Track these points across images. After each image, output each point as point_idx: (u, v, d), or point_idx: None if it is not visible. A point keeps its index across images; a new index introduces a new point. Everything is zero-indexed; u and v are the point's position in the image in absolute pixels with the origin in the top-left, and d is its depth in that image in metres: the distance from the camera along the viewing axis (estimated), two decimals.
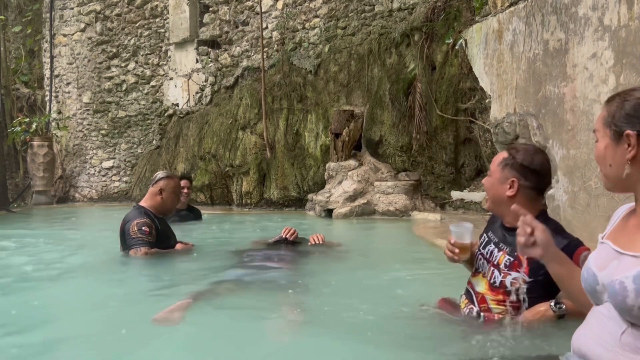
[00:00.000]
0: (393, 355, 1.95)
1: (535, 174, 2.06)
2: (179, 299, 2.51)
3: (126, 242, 3.66)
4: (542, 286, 1.96)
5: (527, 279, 1.97)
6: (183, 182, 5.85)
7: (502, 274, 2.06)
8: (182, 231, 5.01)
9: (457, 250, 2.14)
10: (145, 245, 3.56)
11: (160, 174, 3.95)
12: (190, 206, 6.31)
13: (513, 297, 1.98)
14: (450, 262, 2.23)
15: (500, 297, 2.07)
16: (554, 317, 1.94)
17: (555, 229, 1.96)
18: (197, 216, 6.23)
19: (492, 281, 2.10)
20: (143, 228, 3.59)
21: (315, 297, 2.77)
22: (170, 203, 3.86)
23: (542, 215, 2.06)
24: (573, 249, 1.95)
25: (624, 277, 1.30)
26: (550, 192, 4.40)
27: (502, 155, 2.14)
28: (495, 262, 2.11)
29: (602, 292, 1.39)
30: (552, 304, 1.95)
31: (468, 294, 2.23)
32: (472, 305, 2.16)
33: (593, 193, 3.90)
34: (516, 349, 1.86)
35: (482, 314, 2.10)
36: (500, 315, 2.04)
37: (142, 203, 3.84)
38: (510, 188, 2.06)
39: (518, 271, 2.00)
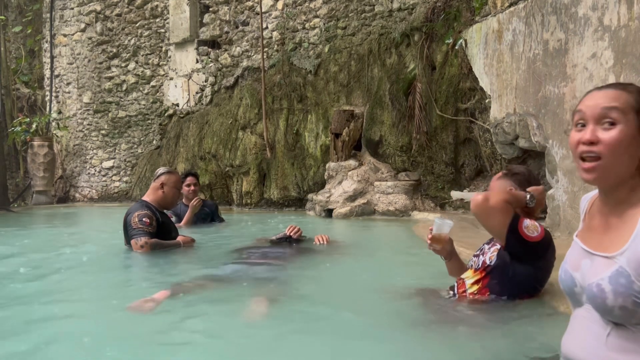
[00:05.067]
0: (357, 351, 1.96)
1: (529, 185, 2.34)
2: (159, 290, 2.60)
3: (128, 233, 3.78)
4: (501, 271, 2.26)
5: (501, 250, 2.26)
6: (189, 179, 5.73)
7: (484, 254, 2.37)
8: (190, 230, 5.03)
9: (430, 236, 2.50)
10: (146, 236, 3.67)
11: (161, 169, 4.11)
12: (203, 201, 6.01)
13: (486, 260, 2.32)
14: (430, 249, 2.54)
15: (479, 276, 2.33)
16: (523, 202, 2.23)
17: None
18: (212, 209, 5.99)
19: (476, 266, 2.38)
20: (144, 219, 3.73)
21: (298, 292, 2.80)
22: (172, 197, 4.01)
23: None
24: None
25: (599, 279, 1.29)
26: (550, 192, 4.40)
27: (500, 172, 2.49)
28: (483, 252, 2.41)
29: (580, 294, 1.39)
30: (529, 196, 2.23)
31: (452, 287, 2.46)
32: (451, 291, 2.43)
33: None
34: (508, 352, 1.88)
35: (456, 294, 2.38)
36: (472, 296, 2.31)
37: (145, 197, 4.00)
38: None
39: (496, 245, 2.31)
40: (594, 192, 1.48)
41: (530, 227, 2.16)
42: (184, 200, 5.85)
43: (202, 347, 2.00)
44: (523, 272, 2.22)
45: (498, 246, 2.29)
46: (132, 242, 3.69)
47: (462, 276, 2.42)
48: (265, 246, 3.99)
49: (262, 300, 2.53)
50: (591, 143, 1.31)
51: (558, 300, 2.25)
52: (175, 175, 4.06)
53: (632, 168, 1.32)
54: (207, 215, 5.92)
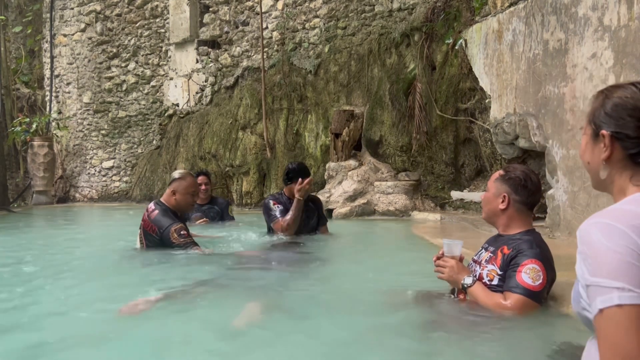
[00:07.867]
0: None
1: (525, 190, 2.31)
2: (152, 294, 2.62)
3: (168, 245, 3.72)
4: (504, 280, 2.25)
5: (499, 271, 2.26)
6: (200, 179, 5.76)
7: (481, 267, 2.35)
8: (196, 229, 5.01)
9: (436, 258, 2.41)
10: (194, 246, 3.71)
11: (175, 173, 4.03)
12: (213, 198, 6.07)
13: (483, 275, 2.30)
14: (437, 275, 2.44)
15: None
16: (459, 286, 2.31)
17: (528, 242, 2.25)
18: (222, 207, 5.97)
19: (474, 275, 2.36)
20: (182, 232, 3.72)
21: (298, 294, 2.78)
22: (185, 204, 3.90)
23: (529, 233, 2.31)
24: (517, 264, 2.21)
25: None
26: (550, 192, 4.40)
27: (498, 172, 2.44)
28: (479, 260, 2.40)
29: None
30: (465, 279, 2.28)
31: (452, 290, 2.45)
32: (452, 294, 2.43)
33: (593, 193, 3.90)
34: (509, 355, 1.88)
35: (457, 297, 2.37)
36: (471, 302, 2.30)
37: (163, 199, 3.91)
38: (502, 202, 2.34)
39: (493, 264, 2.29)
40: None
41: (532, 274, 2.14)
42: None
43: (191, 351, 1.98)
44: None
45: (495, 267, 2.26)
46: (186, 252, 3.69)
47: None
48: (265, 249, 3.99)
49: (256, 305, 2.51)
50: None
51: (560, 303, 2.24)
52: (186, 180, 3.91)
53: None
54: (217, 214, 5.89)
